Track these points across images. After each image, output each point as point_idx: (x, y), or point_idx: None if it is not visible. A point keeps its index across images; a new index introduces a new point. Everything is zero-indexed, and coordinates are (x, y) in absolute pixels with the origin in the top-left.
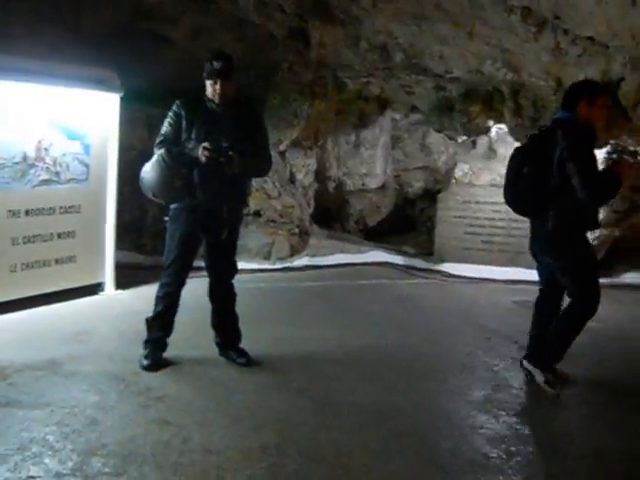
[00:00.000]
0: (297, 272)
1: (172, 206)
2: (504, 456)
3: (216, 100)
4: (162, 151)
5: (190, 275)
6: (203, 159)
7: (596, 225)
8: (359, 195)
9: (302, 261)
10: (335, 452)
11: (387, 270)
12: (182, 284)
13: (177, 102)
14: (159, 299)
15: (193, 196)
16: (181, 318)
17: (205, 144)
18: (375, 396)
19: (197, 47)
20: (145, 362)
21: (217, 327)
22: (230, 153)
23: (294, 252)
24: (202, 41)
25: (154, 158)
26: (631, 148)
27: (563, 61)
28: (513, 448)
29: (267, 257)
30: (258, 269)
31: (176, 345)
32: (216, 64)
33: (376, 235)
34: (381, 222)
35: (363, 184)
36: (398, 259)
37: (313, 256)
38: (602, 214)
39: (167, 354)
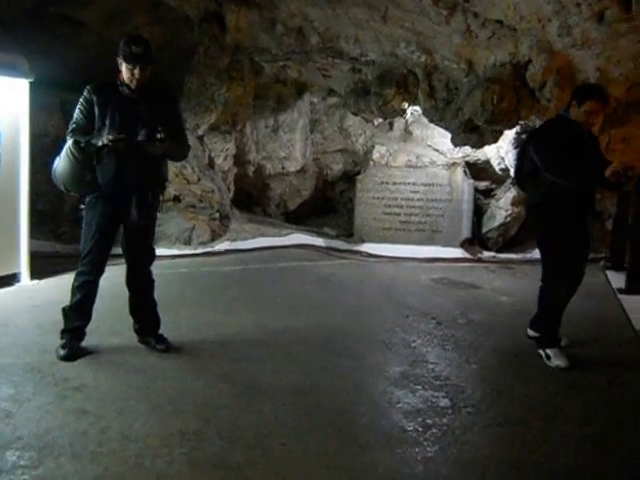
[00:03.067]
0: (218, 256)
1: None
2: (420, 429)
3: (133, 85)
4: (69, 143)
5: (108, 263)
6: (120, 145)
7: (582, 209)
8: (279, 178)
9: (223, 245)
10: (254, 433)
11: (308, 252)
12: (100, 273)
13: (88, 88)
14: (76, 288)
15: (108, 184)
16: (99, 306)
17: (110, 137)
18: (294, 376)
19: (111, 31)
20: (62, 352)
21: (135, 314)
22: (159, 135)
23: (215, 237)
24: (116, 24)
25: (63, 150)
26: None
27: (473, 44)
28: (429, 421)
29: (187, 242)
30: (179, 255)
31: (94, 334)
32: (135, 48)
33: (297, 218)
34: (302, 205)
35: (283, 167)
36: (319, 241)
37: (234, 240)
38: (513, 192)
39: (85, 343)
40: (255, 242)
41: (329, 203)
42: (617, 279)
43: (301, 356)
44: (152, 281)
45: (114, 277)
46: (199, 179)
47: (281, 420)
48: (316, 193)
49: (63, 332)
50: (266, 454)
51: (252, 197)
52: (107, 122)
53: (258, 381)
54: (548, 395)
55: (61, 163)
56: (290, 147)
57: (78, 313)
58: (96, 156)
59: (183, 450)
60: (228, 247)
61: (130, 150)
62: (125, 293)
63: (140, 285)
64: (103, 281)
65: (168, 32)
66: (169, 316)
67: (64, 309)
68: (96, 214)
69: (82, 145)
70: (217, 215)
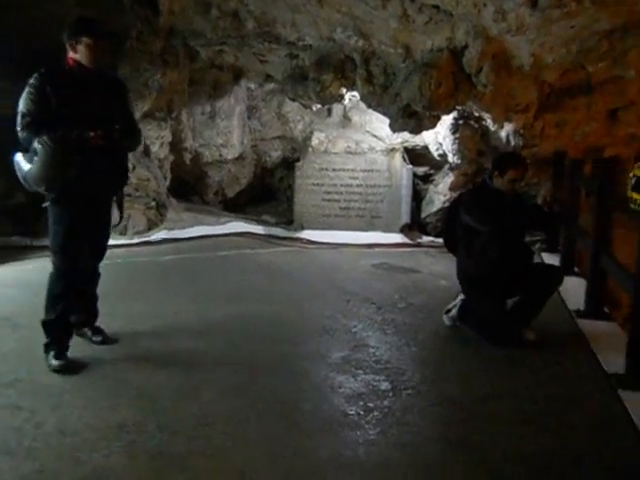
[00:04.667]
0: (155, 246)
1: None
2: (362, 412)
3: (91, 65)
4: (44, 138)
5: (39, 254)
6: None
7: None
8: (217, 166)
9: (160, 235)
10: (195, 424)
11: (248, 240)
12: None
13: (37, 75)
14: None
15: (82, 180)
16: (30, 299)
17: (92, 133)
18: (235, 365)
19: (38, 12)
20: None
21: (76, 307)
22: (117, 127)
23: (151, 226)
24: (42, 6)
25: (36, 147)
26: (476, 114)
27: (410, 28)
28: (370, 404)
29: (123, 232)
30: (114, 245)
31: (25, 327)
32: (97, 23)
33: (236, 206)
34: (240, 193)
35: (220, 155)
36: (258, 229)
37: (171, 229)
38: (451, 178)
39: (17, 336)
40: (193, 231)
41: (268, 190)
42: (552, 260)
43: (242, 345)
44: (99, 274)
45: (44, 268)
46: (134, 167)
47: (222, 409)
48: (255, 180)
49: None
50: (208, 443)
51: (189, 185)
52: (64, 111)
53: (198, 371)
54: (486, 375)
55: (38, 162)
56: (227, 134)
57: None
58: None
59: (121, 443)
60: (165, 236)
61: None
62: None
63: (89, 279)
64: (34, 272)
65: (98, 15)
66: (105, 308)
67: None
68: (67, 209)
69: (58, 140)
70: (153, 204)
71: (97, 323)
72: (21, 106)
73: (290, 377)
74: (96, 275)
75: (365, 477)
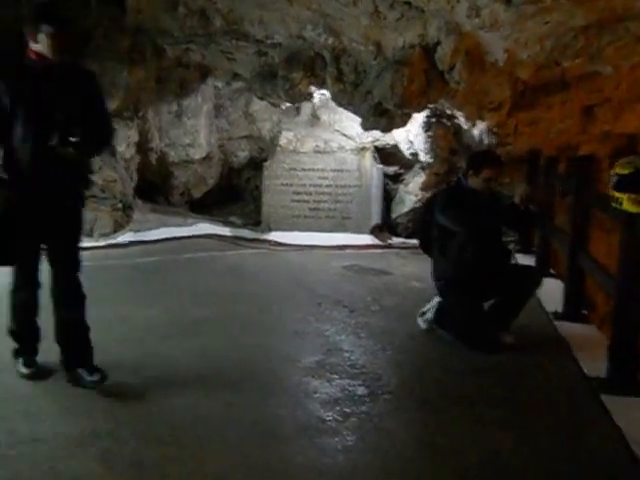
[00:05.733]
0: (121, 249)
1: None
2: (339, 418)
3: (54, 56)
4: None
5: None
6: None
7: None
8: (183, 166)
9: (126, 237)
10: (169, 430)
11: (215, 242)
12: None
13: None
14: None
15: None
16: None
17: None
18: (207, 369)
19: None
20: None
21: (62, 338)
22: (72, 139)
23: (117, 228)
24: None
25: None
26: (448, 111)
27: (382, 25)
28: (347, 410)
29: (89, 234)
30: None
31: None
32: (56, 10)
33: (202, 207)
34: (207, 193)
35: (187, 155)
36: (225, 230)
37: (137, 231)
38: (422, 177)
39: None
40: (160, 233)
41: (235, 191)
42: (526, 261)
43: (213, 349)
44: (82, 296)
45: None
46: (100, 168)
47: (196, 415)
48: (222, 181)
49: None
50: (182, 450)
51: (155, 186)
52: (20, 111)
53: (170, 376)
54: (465, 380)
55: None
56: (194, 133)
57: None
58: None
59: (97, 450)
60: (132, 239)
61: (40, 155)
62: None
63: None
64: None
65: (62, 12)
66: None
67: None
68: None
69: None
70: (120, 205)
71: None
72: None
73: (263, 382)
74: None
75: None
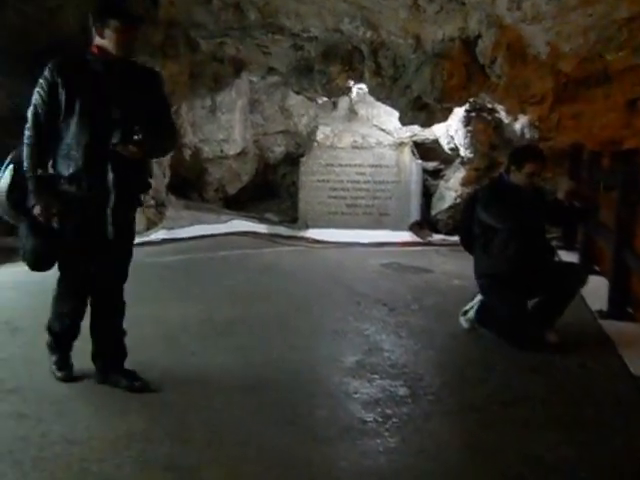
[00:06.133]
0: (155, 246)
1: None
2: (380, 419)
3: (115, 51)
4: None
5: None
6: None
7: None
8: (218, 162)
9: (159, 234)
10: (205, 432)
11: (250, 240)
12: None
13: (50, 66)
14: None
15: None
16: (29, 302)
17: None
18: (244, 370)
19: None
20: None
21: (99, 348)
22: (135, 137)
23: (150, 225)
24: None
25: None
26: (489, 105)
27: (421, 18)
28: (388, 411)
29: None
30: None
31: (27, 330)
32: (123, 5)
33: (237, 203)
34: (242, 190)
35: (221, 150)
36: (261, 227)
37: (171, 229)
38: (462, 173)
39: (18, 342)
40: (193, 230)
41: (271, 187)
42: (569, 258)
43: (249, 348)
44: (123, 303)
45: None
46: None
47: (233, 417)
48: (257, 177)
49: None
50: (219, 453)
51: (189, 182)
52: (76, 109)
53: (206, 377)
54: (508, 379)
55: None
56: (229, 129)
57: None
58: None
59: (131, 453)
60: (165, 236)
61: (98, 153)
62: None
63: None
64: (32, 274)
65: (95, 6)
66: None
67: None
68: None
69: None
70: (152, 202)
71: None
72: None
73: (302, 383)
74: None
75: None
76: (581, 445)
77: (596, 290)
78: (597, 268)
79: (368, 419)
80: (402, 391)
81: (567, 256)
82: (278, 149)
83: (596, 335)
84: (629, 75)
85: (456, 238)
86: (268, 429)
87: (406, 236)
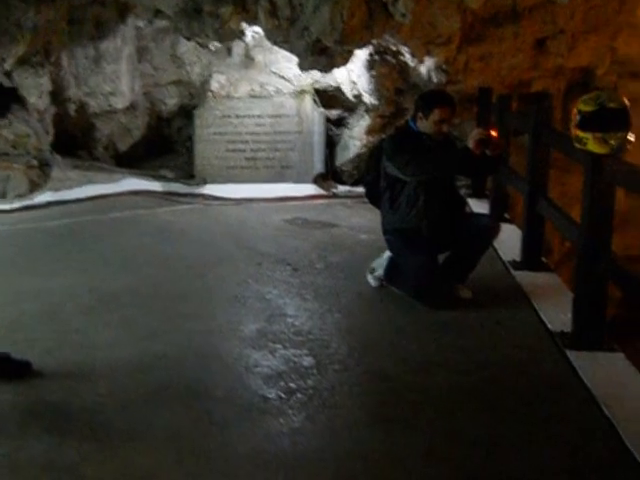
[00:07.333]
0: (39, 210)
1: None
2: (283, 395)
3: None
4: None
5: None
6: None
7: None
8: (106, 117)
9: (44, 197)
10: (88, 422)
11: (144, 199)
12: None
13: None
14: None
15: None
16: None
17: None
18: (134, 346)
19: None
20: None
21: None
22: None
23: (34, 187)
24: None
25: None
26: (393, 48)
27: None
28: (292, 385)
29: (2, 196)
30: None
31: None
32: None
33: (130, 160)
34: (135, 146)
35: (109, 104)
36: (156, 185)
37: (57, 190)
38: (367, 120)
39: None
40: (83, 191)
41: (166, 143)
42: (480, 207)
43: (141, 322)
44: None
45: None
46: (10, 122)
47: (120, 402)
48: (150, 132)
49: None
50: (104, 447)
51: (76, 140)
52: None
53: (91, 356)
54: (420, 342)
55: None
56: (116, 80)
57: None
58: None
59: (3, 450)
60: (51, 199)
61: None
62: None
63: None
64: None
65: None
66: None
67: None
68: None
69: None
70: (35, 163)
71: None
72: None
73: (198, 358)
74: None
75: (293, 474)
76: (502, 414)
77: (508, 240)
78: (508, 216)
79: (270, 396)
80: (307, 361)
81: (477, 205)
82: (171, 101)
83: (510, 288)
84: (539, 12)
85: (362, 190)
86: (158, 414)
87: (310, 189)
